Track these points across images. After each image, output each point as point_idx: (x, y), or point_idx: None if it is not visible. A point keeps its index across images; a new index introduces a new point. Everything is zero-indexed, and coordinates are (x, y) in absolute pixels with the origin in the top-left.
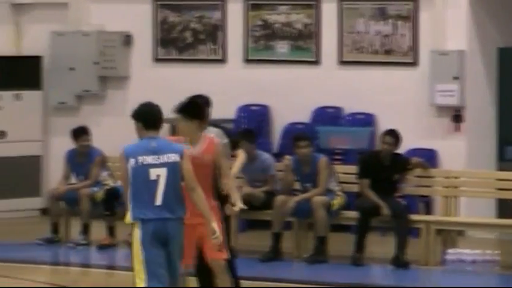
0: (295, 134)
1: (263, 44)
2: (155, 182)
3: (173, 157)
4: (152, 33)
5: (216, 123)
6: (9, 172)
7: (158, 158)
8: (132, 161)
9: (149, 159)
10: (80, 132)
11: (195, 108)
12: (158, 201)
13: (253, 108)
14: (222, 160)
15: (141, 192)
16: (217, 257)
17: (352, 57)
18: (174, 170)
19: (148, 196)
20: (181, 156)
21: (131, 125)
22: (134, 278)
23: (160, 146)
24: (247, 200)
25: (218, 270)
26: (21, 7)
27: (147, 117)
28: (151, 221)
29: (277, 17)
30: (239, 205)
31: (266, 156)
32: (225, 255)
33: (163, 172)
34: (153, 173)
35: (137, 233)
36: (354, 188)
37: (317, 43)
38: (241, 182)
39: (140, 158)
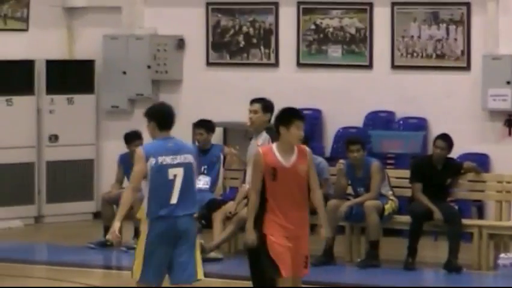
0: (348, 138)
1: (316, 48)
2: (172, 182)
3: (189, 158)
4: (205, 37)
5: (271, 128)
6: (62, 176)
7: (176, 158)
8: (153, 161)
9: (168, 159)
10: (132, 137)
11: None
12: (174, 199)
13: (306, 112)
14: (312, 171)
15: (159, 191)
16: (301, 274)
17: (404, 61)
18: (190, 170)
19: (165, 195)
20: (194, 157)
21: (184, 128)
22: (133, 269)
23: (177, 146)
24: None
25: (297, 285)
26: (74, 11)
27: (163, 117)
28: (164, 219)
29: (330, 21)
30: (326, 232)
31: (320, 160)
32: (308, 271)
33: (180, 172)
34: (171, 172)
35: (145, 229)
36: (407, 193)
37: (370, 47)
38: None
39: (160, 158)
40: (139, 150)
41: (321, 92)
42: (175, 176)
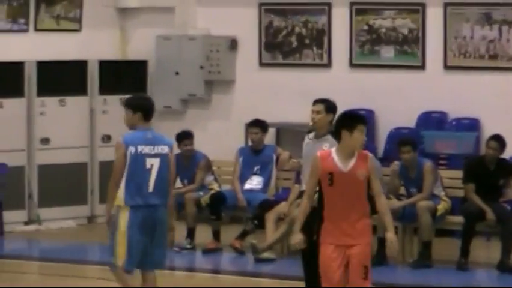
0: (399, 139)
1: (368, 49)
2: (149, 171)
3: (165, 149)
4: (257, 37)
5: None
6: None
7: (154, 149)
8: (132, 149)
9: (147, 149)
10: (182, 137)
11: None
12: (151, 188)
13: (361, 112)
14: (374, 177)
15: (136, 179)
16: (360, 285)
17: (457, 62)
18: (165, 161)
19: (142, 183)
20: (171, 150)
21: (236, 129)
22: (116, 256)
23: (155, 138)
24: None
25: None
26: (127, 11)
27: (148, 108)
28: (141, 208)
29: (382, 22)
30: (393, 243)
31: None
32: (369, 283)
33: (156, 162)
34: (148, 162)
35: (125, 217)
36: (459, 193)
37: (422, 48)
38: None
39: (140, 148)
40: (119, 139)
41: (374, 93)
42: (152, 165)
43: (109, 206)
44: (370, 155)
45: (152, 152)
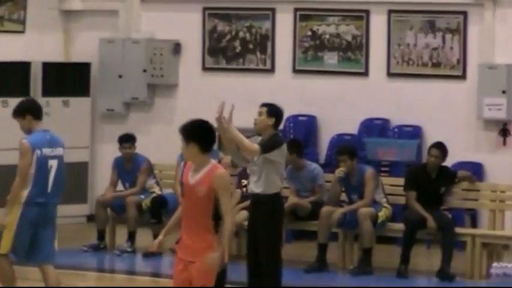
0: (336, 149)
1: (312, 55)
2: (49, 172)
3: (61, 151)
4: (201, 41)
5: (277, 133)
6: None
7: (53, 151)
8: (38, 152)
9: (48, 151)
10: (122, 139)
11: (193, 130)
12: (49, 188)
13: (301, 118)
14: (221, 196)
15: (40, 180)
16: None
17: (400, 69)
18: (62, 162)
19: (44, 183)
20: (64, 150)
21: (178, 133)
22: (1, 243)
23: (53, 139)
24: (293, 210)
25: None
26: (71, 14)
27: (36, 108)
28: (39, 205)
29: (326, 28)
30: (213, 258)
31: (314, 166)
32: None
33: (55, 163)
34: (50, 163)
35: (18, 211)
36: (401, 200)
37: (366, 55)
38: (289, 191)
39: (44, 150)
40: (25, 143)
41: (317, 99)
42: (51, 166)
43: (11, 208)
44: (219, 172)
45: (52, 154)
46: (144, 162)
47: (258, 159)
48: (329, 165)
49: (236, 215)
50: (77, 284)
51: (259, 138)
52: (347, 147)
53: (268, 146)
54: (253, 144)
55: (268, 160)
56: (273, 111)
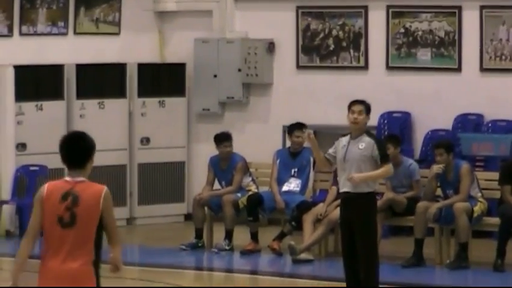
0: (433, 142)
1: (405, 52)
2: None
3: None
4: (295, 40)
5: (371, 132)
6: (154, 178)
7: None
8: None
9: None
10: (221, 138)
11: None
12: None
13: (396, 115)
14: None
15: None
16: None
17: (493, 64)
18: None
19: None
20: None
21: (274, 131)
22: None
23: None
24: (390, 205)
25: None
26: (165, 15)
27: None
28: None
29: (419, 25)
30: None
31: (411, 161)
32: None
33: None
34: None
35: None
36: (496, 195)
37: (459, 50)
38: (385, 187)
39: None
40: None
41: (411, 95)
42: None
43: None
44: (103, 190)
45: None
46: (240, 160)
47: (352, 159)
48: (424, 161)
49: (333, 212)
50: (175, 283)
51: (344, 139)
52: (444, 141)
53: (387, 156)
54: (383, 170)
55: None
56: (369, 108)
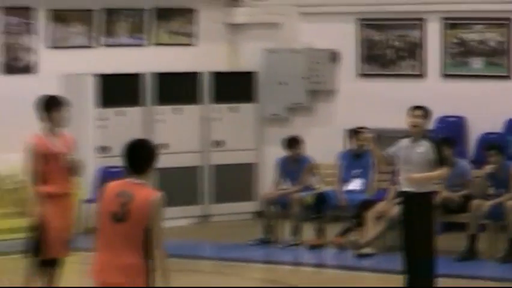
0: (487, 144)
1: (459, 60)
2: None
3: None
4: (356, 50)
5: (429, 136)
6: (227, 178)
7: None
8: None
9: None
10: (292, 142)
11: None
12: None
13: (451, 119)
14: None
15: None
16: None
17: None
18: None
19: None
20: None
21: (337, 134)
22: None
23: None
24: (445, 203)
25: None
26: (236, 27)
27: None
28: None
29: (472, 35)
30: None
31: (464, 163)
32: None
33: None
34: None
35: None
36: None
37: (509, 59)
38: (440, 186)
39: None
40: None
41: (465, 100)
42: None
43: None
44: (156, 195)
45: None
46: (307, 161)
47: (412, 161)
48: (477, 162)
49: (392, 209)
50: (246, 275)
51: (404, 141)
52: (496, 143)
53: (444, 159)
54: (440, 172)
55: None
56: (428, 113)
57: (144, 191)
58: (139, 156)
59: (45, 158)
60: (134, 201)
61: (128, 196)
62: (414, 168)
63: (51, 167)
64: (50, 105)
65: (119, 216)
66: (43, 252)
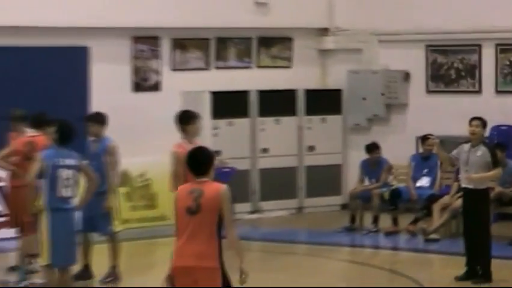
0: None
1: (510, 79)
2: None
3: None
4: (425, 71)
5: (486, 142)
6: (318, 176)
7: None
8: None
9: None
10: (372, 147)
11: None
12: None
13: (503, 128)
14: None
15: None
16: None
17: None
18: None
19: None
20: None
21: (409, 141)
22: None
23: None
24: (499, 197)
25: None
26: (326, 52)
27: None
28: None
29: None
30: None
31: None
32: None
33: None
34: None
35: None
36: None
37: None
38: (494, 184)
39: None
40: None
41: None
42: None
43: None
44: (223, 188)
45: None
46: (386, 163)
47: (472, 163)
48: None
49: (455, 202)
50: (335, 256)
51: (466, 146)
52: None
53: (497, 161)
54: (494, 172)
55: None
56: (485, 123)
57: (212, 186)
58: (201, 160)
59: None
60: (204, 195)
61: (199, 192)
62: (473, 169)
63: None
64: (187, 119)
65: (193, 209)
66: None
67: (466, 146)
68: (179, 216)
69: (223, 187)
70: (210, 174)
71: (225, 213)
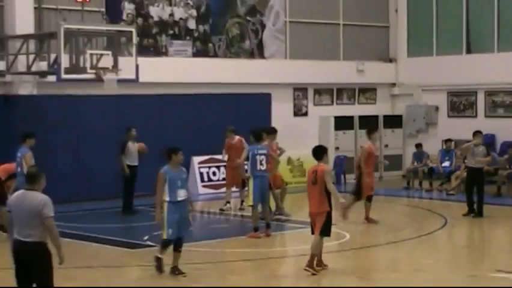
0: None
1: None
2: None
3: None
4: (446, 105)
5: (483, 143)
6: (390, 160)
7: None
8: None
9: None
10: (418, 145)
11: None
12: None
13: (489, 135)
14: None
15: None
16: None
17: None
18: None
19: None
20: None
21: (438, 142)
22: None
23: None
24: (486, 172)
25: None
26: (394, 96)
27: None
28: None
29: None
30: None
31: None
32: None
33: None
34: None
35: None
36: None
37: None
38: (485, 165)
39: None
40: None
41: None
42: None
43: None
44: (325, 167)
45: None
46: (426, 154)
47: (476, 153)
48: None
49: (463, 175)
50: (400, 203)
51: (472, 145)
52: None
53: (489, 153)
54: (487, 158)
55: None
56: (481, 133)
57: (321, 167)
58: (316, 151)
59: (371, 157)
60: (318, 172)
61: (316, 171)
62: (477, 157)
63: (372, 162)
64: (371, 131)
65: (314, 181)
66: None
67: (473, 145)
68: (308, 185)
69: (325, 168)
70: (323, 159)
71: (328, 184)
